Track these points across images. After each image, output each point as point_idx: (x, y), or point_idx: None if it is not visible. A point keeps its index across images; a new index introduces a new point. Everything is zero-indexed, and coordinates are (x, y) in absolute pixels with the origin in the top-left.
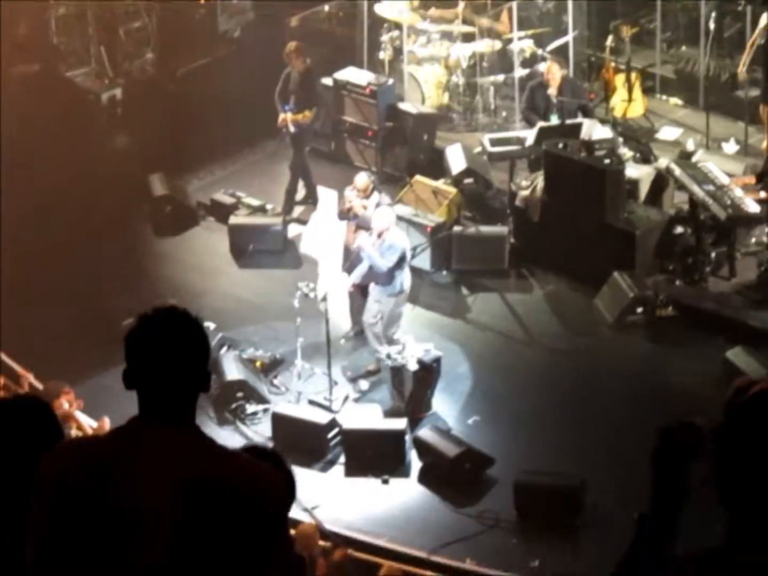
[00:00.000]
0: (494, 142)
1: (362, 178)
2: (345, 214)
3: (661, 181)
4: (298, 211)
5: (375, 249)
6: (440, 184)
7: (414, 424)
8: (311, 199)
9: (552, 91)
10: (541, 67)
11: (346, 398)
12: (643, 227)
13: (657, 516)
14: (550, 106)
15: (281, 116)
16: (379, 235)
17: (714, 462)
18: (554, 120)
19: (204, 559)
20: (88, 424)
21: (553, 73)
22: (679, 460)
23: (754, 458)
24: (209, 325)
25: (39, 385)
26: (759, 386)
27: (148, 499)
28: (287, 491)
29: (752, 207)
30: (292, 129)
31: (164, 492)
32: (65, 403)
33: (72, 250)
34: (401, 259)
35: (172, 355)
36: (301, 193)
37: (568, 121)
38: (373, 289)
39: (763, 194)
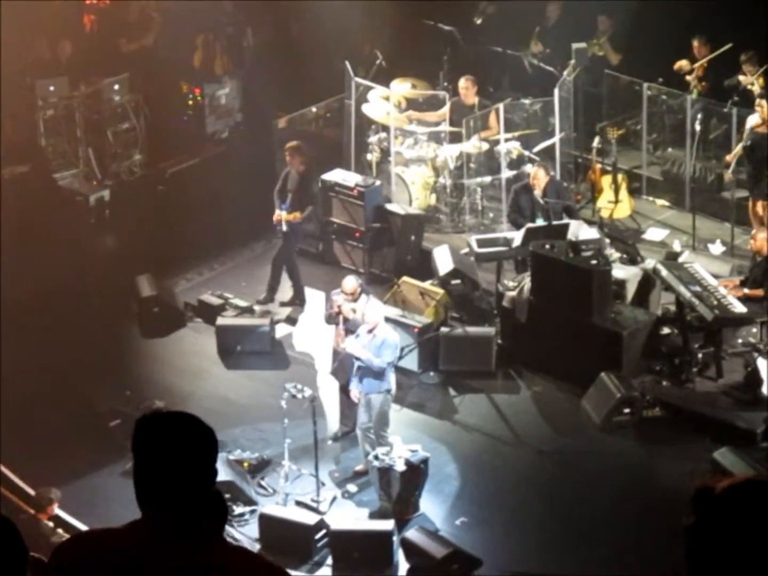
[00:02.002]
0: (481, 243)
1: (350, 282)
2: (333, 317)
3: (647, 281)
4: (285, 311)
5: (368, 349)
6: (427, 285)
7: (401, 525)
8: (299, 300)
9: (537, 192)
10: (528, 168)
11: (334, 499)
12: (630, 328)
13: None
14: (535, 209)
15: (276, 213)
16: (370, 330)
17: (687, 560)
18: (540, 222)
19: None
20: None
21: (539, 178)
22: None
23: (728, 553)
24: None
25: (30, 491)
26: (725, 483)
27: None
28: None
29: (739, 308)
30: (284, 228)
31: None
32: (56, 508)
33: (60, 351)
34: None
35: (181, 458)
36: (288, 293)
37: (555, 222)
38: (360, 388)
39: (746, 291)
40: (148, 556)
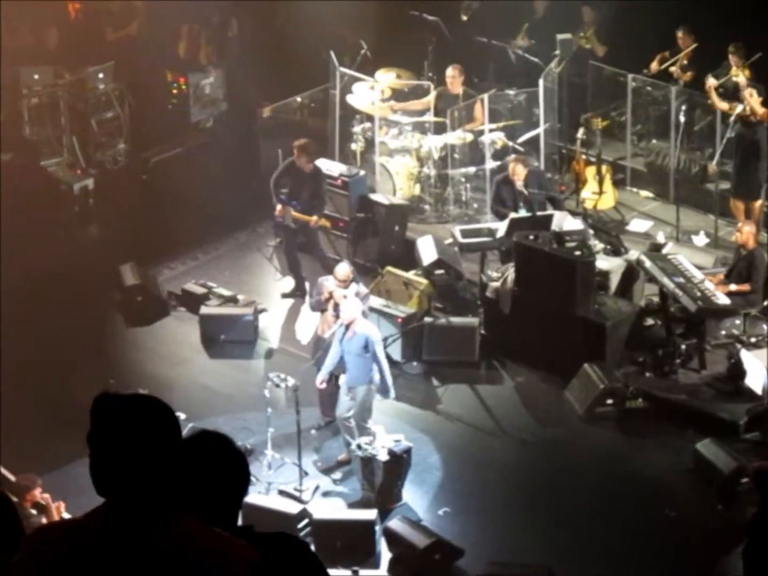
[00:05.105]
0: (465, 234)
1: (343, 269)
2: (322, 304)
3: (631, 273)
4: (269, 302)
5: (351, 349)
6: (411, 275)
7: (384, 514)
8: (299, 291)
9: (518, 185)
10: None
11: (317, 489)
12: (614, 319)
13: None
14: (517, 200)
15: (279, 208)
16: (348, 326)
17: (750, 541)
18: (523, 213)
19: None
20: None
21: (517, 173)
22: None
23: None
24: (179, 415)
25: (11, 478)
26: None
27: None
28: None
29: (722, 299)
30: (292, 225)
31: None
32: (38, 496)
33: (42, 340)
34: (368, 348)
35: (140, 439)
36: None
37: (539, 213)
38: (345, 380)
39: (732, 287)
40: (105, 544)
